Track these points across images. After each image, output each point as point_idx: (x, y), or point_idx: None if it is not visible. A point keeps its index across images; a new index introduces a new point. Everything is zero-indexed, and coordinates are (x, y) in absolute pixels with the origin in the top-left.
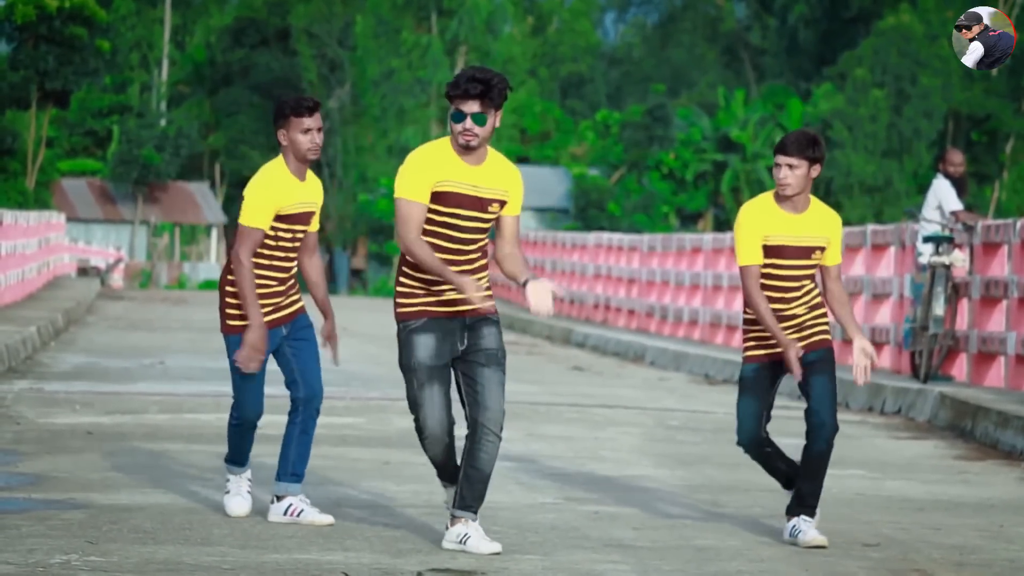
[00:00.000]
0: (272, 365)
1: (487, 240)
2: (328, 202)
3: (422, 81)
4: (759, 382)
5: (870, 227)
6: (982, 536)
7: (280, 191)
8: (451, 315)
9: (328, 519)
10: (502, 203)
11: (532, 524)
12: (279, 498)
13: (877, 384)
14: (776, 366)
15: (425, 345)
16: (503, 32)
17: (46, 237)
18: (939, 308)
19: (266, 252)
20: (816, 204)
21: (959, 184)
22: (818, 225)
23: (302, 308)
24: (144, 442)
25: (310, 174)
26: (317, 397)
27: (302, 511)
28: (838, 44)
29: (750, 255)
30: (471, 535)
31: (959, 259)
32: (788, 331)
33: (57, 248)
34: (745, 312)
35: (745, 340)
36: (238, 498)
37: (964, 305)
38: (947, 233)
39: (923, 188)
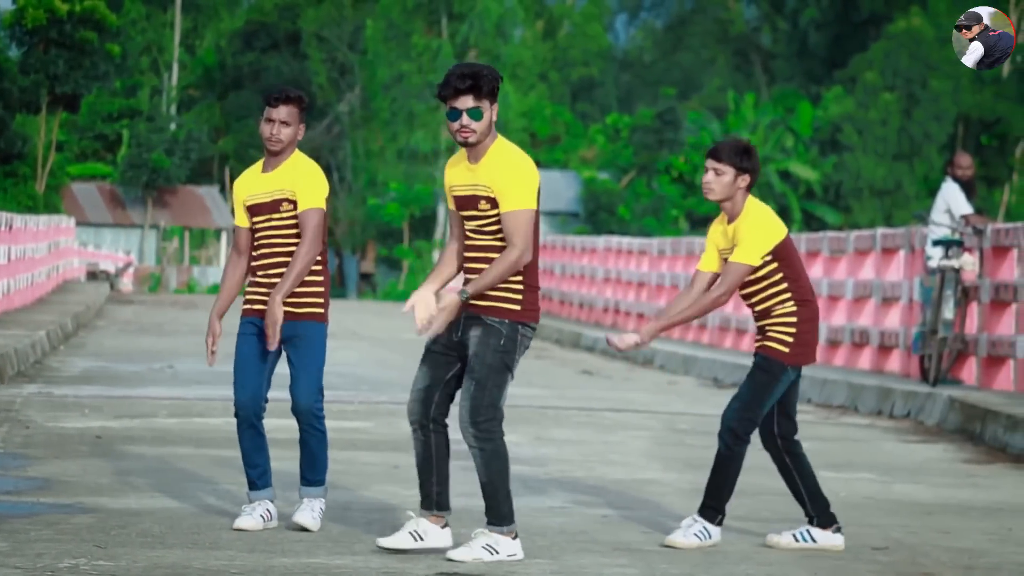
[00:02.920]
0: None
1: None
2: (337, 206)
3: (432, 85)
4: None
5: (880, 231)
6: (991, 540)
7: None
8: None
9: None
10: (490, 199)
11: (541, 528)
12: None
13: (886, 388)
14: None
15: None
16: (513, 36)
17: (56, 241)
18: (948, 312)
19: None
20: (749, 211)
21: (968, 187)
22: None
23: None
24: (153, 446)
25: (293, 160)
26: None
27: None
28: (849, 47)
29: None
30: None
31: (969, 263)
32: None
33: (67, 252)
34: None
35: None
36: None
37: (974, 309)
38: (957, 237)
39: (933, 192)
